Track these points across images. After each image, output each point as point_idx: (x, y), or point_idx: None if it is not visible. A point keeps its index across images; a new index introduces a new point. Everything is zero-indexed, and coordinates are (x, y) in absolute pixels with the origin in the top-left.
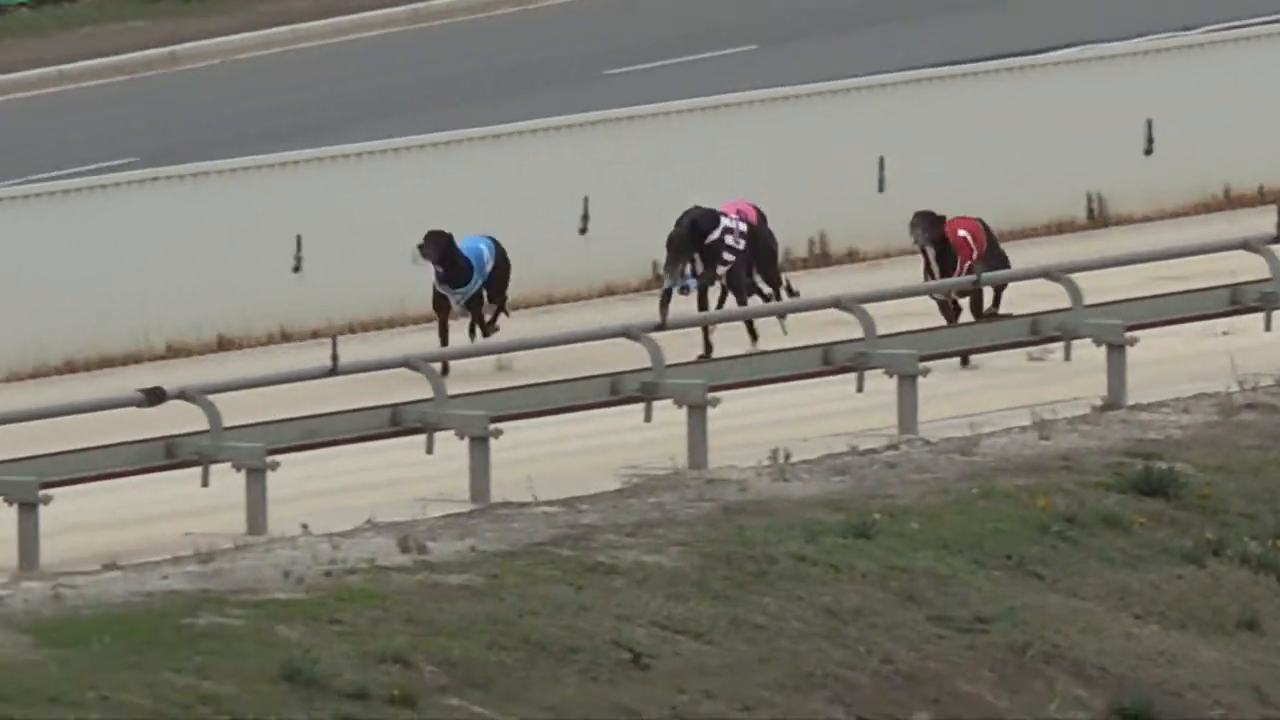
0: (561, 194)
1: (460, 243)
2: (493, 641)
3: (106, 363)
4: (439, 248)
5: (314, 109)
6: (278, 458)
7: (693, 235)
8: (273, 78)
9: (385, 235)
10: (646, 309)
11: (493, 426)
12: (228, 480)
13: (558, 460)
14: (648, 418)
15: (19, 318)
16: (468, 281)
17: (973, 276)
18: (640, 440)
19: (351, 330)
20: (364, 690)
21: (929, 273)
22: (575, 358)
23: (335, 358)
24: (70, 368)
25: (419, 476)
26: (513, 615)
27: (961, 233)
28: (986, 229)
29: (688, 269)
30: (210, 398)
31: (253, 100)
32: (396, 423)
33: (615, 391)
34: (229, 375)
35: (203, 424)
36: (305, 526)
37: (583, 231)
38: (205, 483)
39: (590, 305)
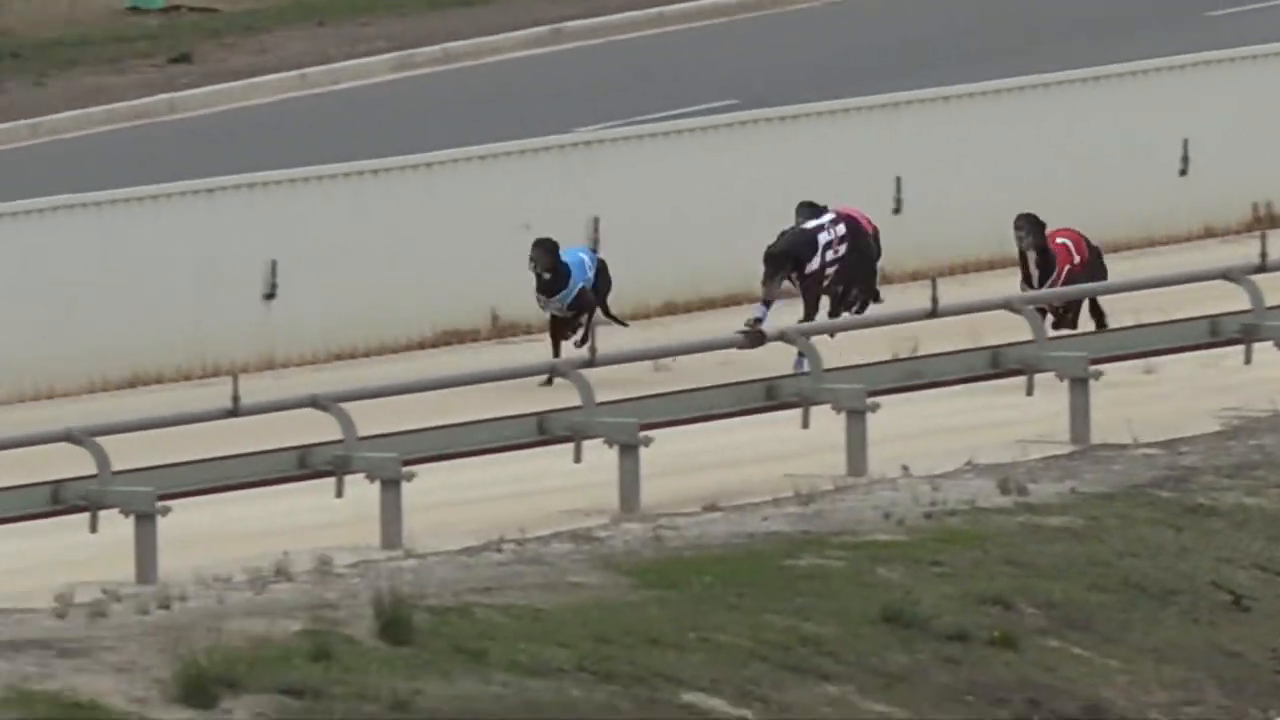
0: (1162, 135)
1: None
2: (1093, 583)
3: (707, 304)
4: (547, 255)
5: (907, 50)
6: (878, 399)
7: (793, 263)
8: (867, 19)
9: (983, 175)
10: (1247, 250)
11: (1092, 369)
12: (828, 422)
13: (1157, 402)
14: (1248, 359)
15: (618, 260)
16: (564, 288)
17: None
18: (1238, 382)
19: (950, 272)
20: (964, 632)
21: (1028, 280)
22: (1174, 299)
23: (935, 300)
24: (669, 310)
25: (1019, 419)
26: (1112, 557)
27: (1061, 240)
28: (1088, 241)
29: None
30: (811, 340)
31: (848, 41)
32: (997, 365)
33: (1214, 334)
34: (830, 318)
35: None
36: (905, 468)
37: (1183, 173)
38: (805, 424)
39: (1191, 247)
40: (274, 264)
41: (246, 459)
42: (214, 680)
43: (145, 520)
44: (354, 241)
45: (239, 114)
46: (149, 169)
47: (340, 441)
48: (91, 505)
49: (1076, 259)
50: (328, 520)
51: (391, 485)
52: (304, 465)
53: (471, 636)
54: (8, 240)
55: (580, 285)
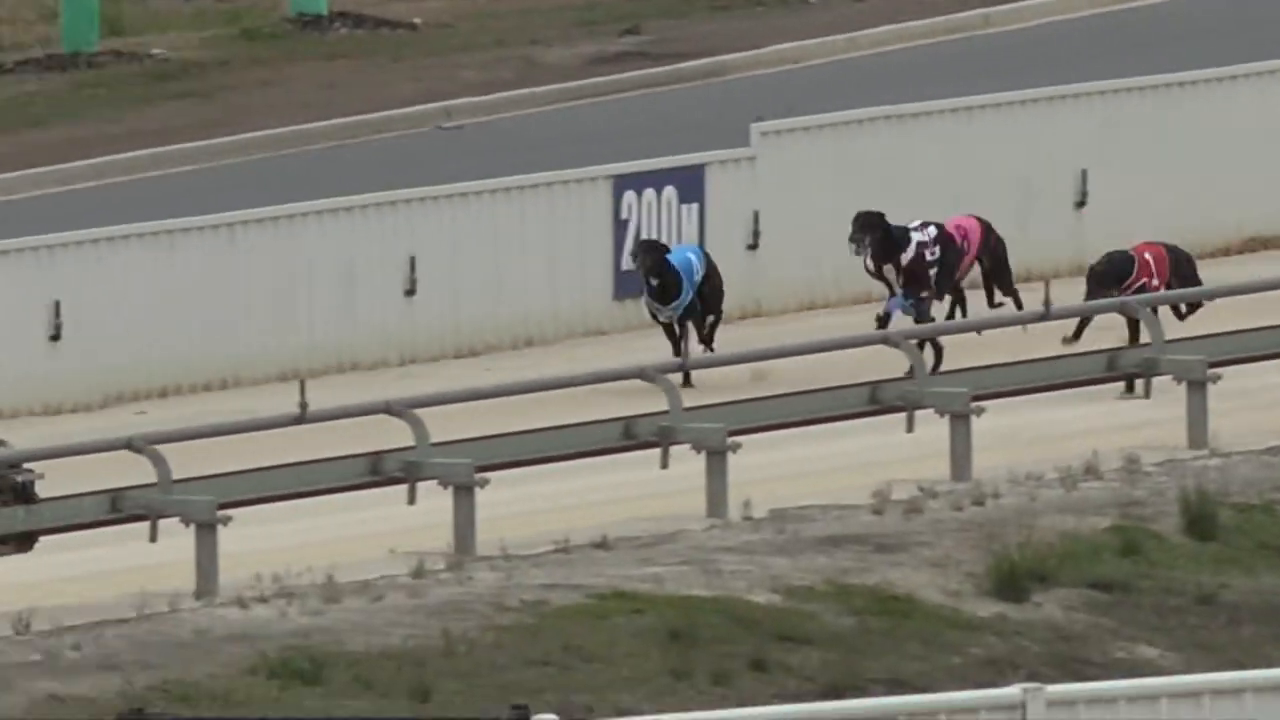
0: None
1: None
2: None
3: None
4: (655, 258)
5: None
6: None
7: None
8: None
9: None
10: None
11: None
12: None
13: None
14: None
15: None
16: (677, 297)
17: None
18: None
19: None
20: None
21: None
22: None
23: None
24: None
25: None
26: None
27: (1146, 255)
28: (1172, 252)
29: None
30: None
31: None
32: None
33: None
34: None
35: None
36: None
37: None
38: None
39: None
40: (1084, 173)
41: (1056, 362)
42: (1025, 574)
43: (959, 420)
44: (1155, 152)
45: (1050, 28)
46: (959, 83)
47: (1149, 344)
48: (909, 406)
49: (1156, 278)
50: (1137, 420)
51: (1197, 387)
52: (1113, 368)
53: (1274, 533)
54: (814, 149)
55: (690, 296)
